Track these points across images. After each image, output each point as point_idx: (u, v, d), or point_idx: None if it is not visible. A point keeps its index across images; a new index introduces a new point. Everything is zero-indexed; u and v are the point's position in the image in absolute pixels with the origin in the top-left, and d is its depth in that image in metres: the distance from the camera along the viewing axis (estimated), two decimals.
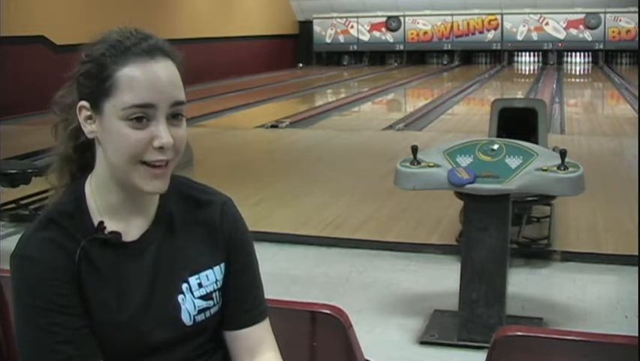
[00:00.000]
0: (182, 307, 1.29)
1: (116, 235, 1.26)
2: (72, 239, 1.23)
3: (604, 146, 7.75)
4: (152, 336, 1.26)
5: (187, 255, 1.31)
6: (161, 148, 1.20)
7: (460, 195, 3.16)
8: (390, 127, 9.40)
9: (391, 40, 21.47)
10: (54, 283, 1.20)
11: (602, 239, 4.50)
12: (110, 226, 1.27)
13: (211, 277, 1.33)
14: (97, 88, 1.20)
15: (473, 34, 20.95)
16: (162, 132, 1.20)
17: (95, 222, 1.26)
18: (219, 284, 1.34)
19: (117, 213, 1.28)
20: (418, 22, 21.25)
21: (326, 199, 5.58)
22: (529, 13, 20.29)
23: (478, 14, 20.77)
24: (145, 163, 1.20)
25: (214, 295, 1.33)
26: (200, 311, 1.30)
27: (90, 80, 1.21)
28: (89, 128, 1.24)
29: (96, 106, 1.21)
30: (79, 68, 1.24)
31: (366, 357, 1.69)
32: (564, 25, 20.12)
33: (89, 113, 1.23)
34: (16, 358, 1.61)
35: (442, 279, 3.79)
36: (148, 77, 1.19)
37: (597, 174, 5.72)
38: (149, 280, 1.27)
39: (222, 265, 1.35)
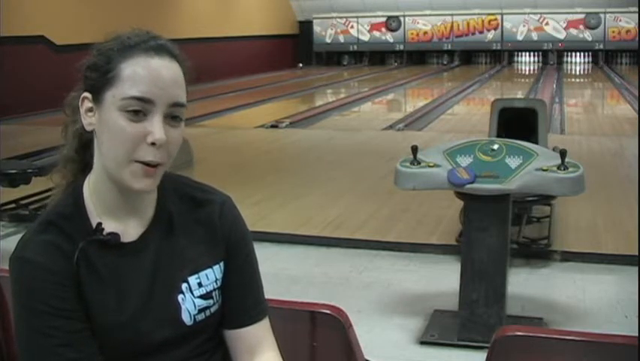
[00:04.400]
0: (183, 306, 1.29)
1: (115, 236, 1.26)
2: (71, 241, 1.23)
3: (604, 146, 7.74)
4: (152, 336, 1.26)
5: (186, 255, 1.31)
6: (153, 144, 1.19)
7: (460, 195, 3.15)
8: (391, 127, 9.40)
9: (391, 40, 21.48)
10: (53, 286, 1.20)
11: (602, 239, 4.49)
12: (109, 226, 1.26)
13: (211, 277, 1.33)
14: (100, 79, 1.21)
15: (473, 34, 20.96)
16: (156, 128, 1.19)
17: (94, 224, 1.26)
18: (219, 283, 1.34)
19: (115, 213, 1.27)
20: (418, 22, 21.26)
21: (326, 199, 5.58)
22: (529, 13, 20.29)
23: (478, 14, 20.78)
24: (138, 162, 1.20)
25: (214, 294, 1.33)
26: (200, 311, 1.30)
27: (95, 72, 1.22)
28: (88, 121, 1.24)
29: (98, 97, 1.22)
30: (87, 61, 1.25)
31: (366, 357, 1.69)
32: (564, 25, 20.13)
33: (90, 105, 1.24)
34: (16, 358, 1.61)
35: (442, 279, 3.79)
36: (150, 72, 1.20)
37: (597, 174, 5.72)
38: (148, 281, 1.27)
39: (221, 263, 1.35)
